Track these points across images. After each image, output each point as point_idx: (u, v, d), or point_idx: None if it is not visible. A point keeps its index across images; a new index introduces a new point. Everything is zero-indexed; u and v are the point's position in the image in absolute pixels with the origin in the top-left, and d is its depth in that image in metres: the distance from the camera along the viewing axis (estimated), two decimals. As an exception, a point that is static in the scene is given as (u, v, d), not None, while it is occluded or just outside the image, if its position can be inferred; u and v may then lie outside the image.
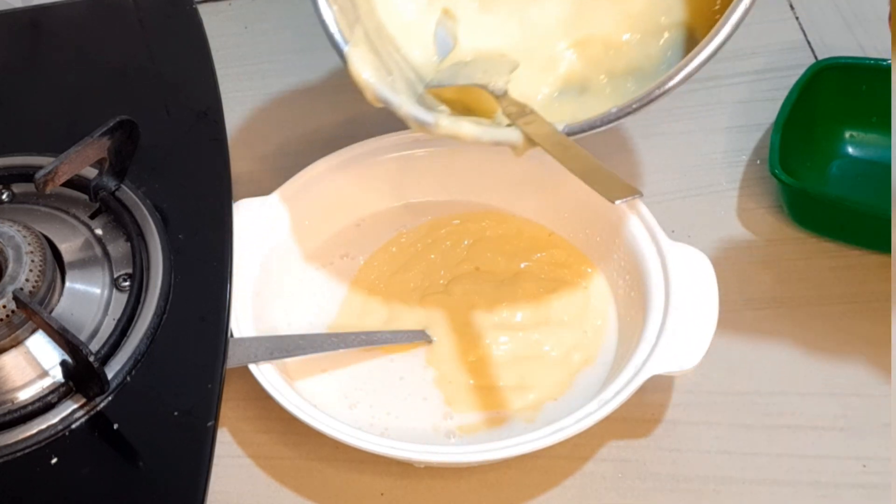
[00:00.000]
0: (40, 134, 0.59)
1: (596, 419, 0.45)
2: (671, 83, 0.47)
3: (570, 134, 0.48)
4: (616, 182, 0.42)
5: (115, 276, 0.52)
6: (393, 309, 0.55)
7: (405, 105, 0.49)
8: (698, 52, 0.46)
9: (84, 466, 0.45)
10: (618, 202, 0.42)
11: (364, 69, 0.50)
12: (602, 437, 0.49)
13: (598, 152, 0.55)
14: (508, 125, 0.49)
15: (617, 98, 0.52)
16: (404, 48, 0.55)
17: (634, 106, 0.48)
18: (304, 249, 0.57)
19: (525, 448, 0.44)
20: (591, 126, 0.48)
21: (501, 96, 0.50)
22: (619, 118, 0.48)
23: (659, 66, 0.52)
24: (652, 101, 0.47)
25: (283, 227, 0.56)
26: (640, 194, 0.41)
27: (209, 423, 0.45)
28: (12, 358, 0.48)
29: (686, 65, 0.46)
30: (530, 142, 0.48)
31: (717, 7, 0.50)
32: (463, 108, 0.53)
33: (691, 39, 0.51)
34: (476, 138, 0.49)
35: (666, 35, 0.52)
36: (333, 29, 0.51)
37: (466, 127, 0.49)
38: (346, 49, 0.50)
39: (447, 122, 0.49)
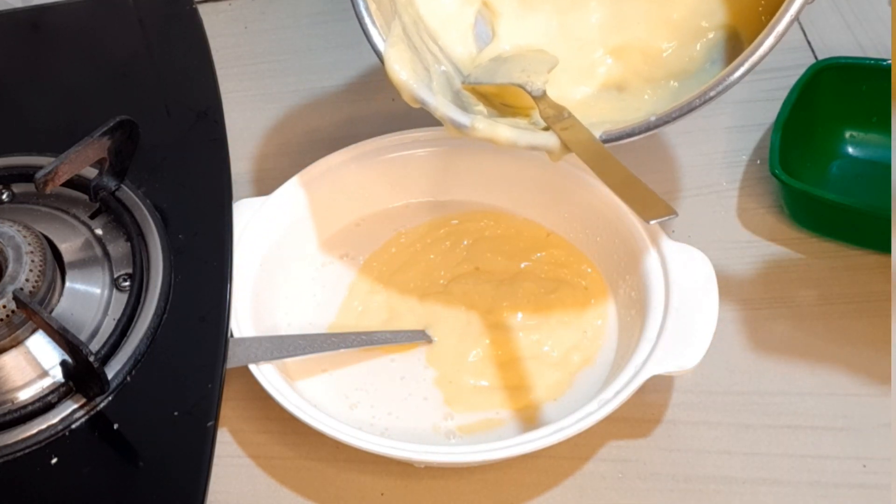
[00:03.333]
0: (40, 134, 0.59)
1: (596, 419, 0.45)
2: (712, 93, 0.45)
3: (606, 141, 0.47)
4: (652, 199, 0.41)
5: (115, 276, 0.52)
6: (393, 309, 0.55)
7: (442, 106, 0.49)
8: (741, 63, 0.44)
9: (84, 466, 0.45)
10: (652, 222, 0.41)
11: (402, 70, 0.49)
12: (602, 437, 0.49)
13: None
14: (545, 128, 0.49)
15: (657, 97, 0.51)
16: (442, 40, 0.54)
17: (675, 115, 0.46)
18: (305, 249, 0.57)
19: (525, 448, 0.44)
20: (628, 134, 0.47)
21: (539, 97, 0.49)
22: (658, 126, 0.46)
23: (703, 65, 0.51)
24: (693, 109, 0.46)
25: (283, 227, 0.56)
26: (676, 214, 0.40)
27: (209, 423, 0.45)
28: (12, 358, 0.48)
29: (727, 76, 0.45)
30: (566, 148, 0.47)
31: (761, 7, 0.49)
32: (501, 101, 0.52)
33: (735, 39, 0.50)
34: (512, 142, 0.48)
35: (710, 36, 0.51)
36: (371, 28, 0.50)
37: (503, 130, 0.48)
38: (383, 49, 0.49)
39: (483, 126, 0.48)
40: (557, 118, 0.48)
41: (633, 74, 0.53)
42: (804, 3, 0.43)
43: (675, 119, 0.46)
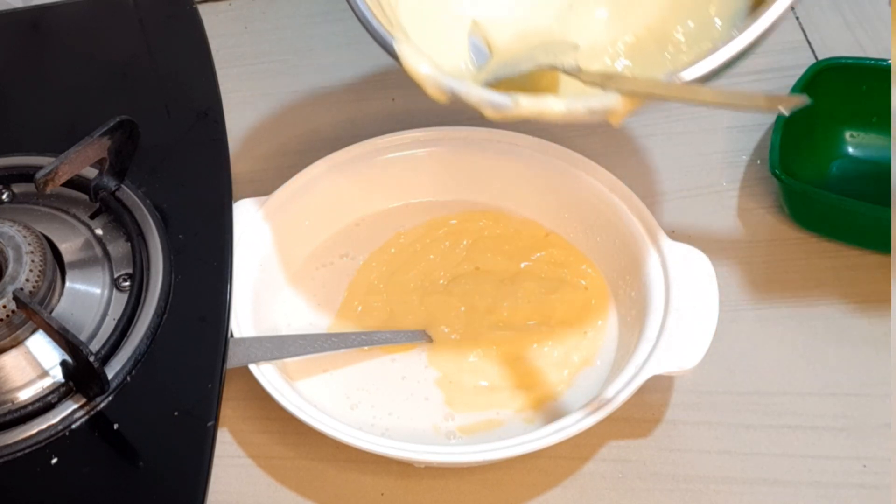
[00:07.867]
0: (40, 134, 0.59)
1: (596, 419, 0.45)
2: None
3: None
4: (763, 97, 0.38)
5: (115, 276, 0.52)
6: (393, 309, 0.55)
7: (475, 90, 0.43)
8: None
9: (84, 466, 0.45)
10: (784, 111, 0.37)
11: (420, 63, 0.45)
12: (602, 437, 0.49)
13: (598, 152, 0.56)
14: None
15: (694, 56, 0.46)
16: (438, 59, 0.49)
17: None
18: (304, 249, 0.57)
19: (525, 448, 0.44)
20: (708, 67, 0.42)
21: (577, 72, 0.45)
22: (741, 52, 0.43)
23: (729, 35, 0.46)
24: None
25: (283, 227, 0.56)
26: (809, 101, 0.37)
27: (209, 423, 0.45)
28: (12, 358, 0.48)
29: None
30: (632, 101, 0.42)
31: None
32: None
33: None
34: (566, 112, 0.43)
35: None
36: (377, 24, 0.46)
37: (552, 103, 0.43)
38: (395, 47, 0.45)
39: (528, 102, 0.43)
40: (608, 78, 0.43)
41: (656, 69, 0.48)
42: None
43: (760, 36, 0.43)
